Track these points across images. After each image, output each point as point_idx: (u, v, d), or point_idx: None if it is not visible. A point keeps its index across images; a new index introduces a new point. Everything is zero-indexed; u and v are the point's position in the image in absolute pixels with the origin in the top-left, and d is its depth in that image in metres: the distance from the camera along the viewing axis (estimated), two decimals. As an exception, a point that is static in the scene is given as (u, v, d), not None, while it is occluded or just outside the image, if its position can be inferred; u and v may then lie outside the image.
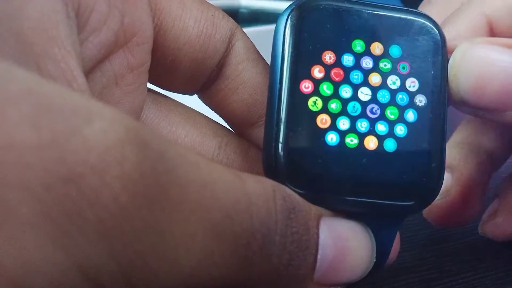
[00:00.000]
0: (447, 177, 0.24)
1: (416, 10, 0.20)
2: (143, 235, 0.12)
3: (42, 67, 0.14)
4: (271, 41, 0.19)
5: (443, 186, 0.20)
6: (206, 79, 0.21)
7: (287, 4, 0.21)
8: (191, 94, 0.22)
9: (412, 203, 0.19)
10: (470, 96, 0.19)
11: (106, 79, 0.18)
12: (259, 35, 0.22)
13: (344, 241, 0.17)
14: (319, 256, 0.16)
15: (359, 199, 0.18)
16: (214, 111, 0.22)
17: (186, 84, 0.22)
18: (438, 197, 0.20)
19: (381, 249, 0.19)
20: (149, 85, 0.21)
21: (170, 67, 0.20)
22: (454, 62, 0.20)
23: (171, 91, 0.22)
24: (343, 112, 0.18)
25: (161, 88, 0.22)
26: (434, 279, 0.24)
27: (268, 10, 0.55)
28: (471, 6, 0.22)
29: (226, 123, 0.23)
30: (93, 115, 0.12)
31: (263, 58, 0.22)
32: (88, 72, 0.18)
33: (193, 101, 0.22)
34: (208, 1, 0.21)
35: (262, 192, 0.15)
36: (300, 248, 0.16)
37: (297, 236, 0.16)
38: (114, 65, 0.19)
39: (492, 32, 0.22)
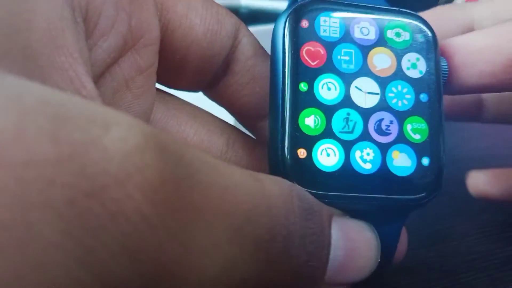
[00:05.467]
0: None
1: (407, 11, 0.21)
2: (168, 246, 0.12)
3: (47, 78, 0.14)
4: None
5: None
6: (213, 76, 0.21)
7: (287, 4, 0.21)
8: (197, 91, 0.22)
9: (414, 197, 0.19)
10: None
11: (117, 83, 0.18)
12: (259, 34, 0.22)
13: (352, 242, 0.17)
14: (330, 256, 0.16)
15: (365, 196, 0.19)
16: (223, 107, 0.23)
17: (193, 82, 0.22)
18: None
19: (387, 247, 0.19)
20: (156, 85, 0.21)
21: (178, 66, 0.20)
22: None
23: (178, 90, 0.22)
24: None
25: (169, 87, 0.22)
26: (434, 279, 0.24)
27: (268, 10, 0.55)
28: None
29: (235, 118, 0.23)
30: (110, 123, 0.12)
31: (267, 52, 0.22)
32: (99, 77, 0.18)
33: (195, 99, 0.22)
34: (209, 0, 0.21)
35: (280, 194, 0.15)
36: (318, 249, 0.16)
37: (314, 237, 0.16)
38: (123, 68, 0.18)
39: None
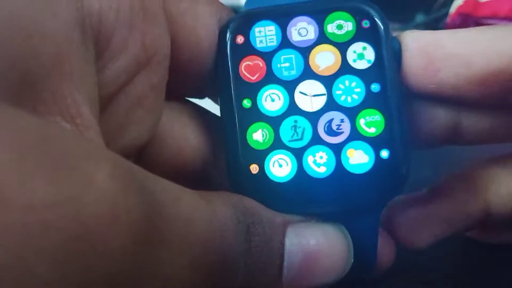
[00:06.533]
0: None
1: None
2: (144, 277, 0.13)
3: (40, 103, 0.14)
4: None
5: None
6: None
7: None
8: (204, 97, 0.23)
9: (378, 192, 0.19)
10: None
11: (130, 102, 0.18)
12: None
13: (313, 246, 0.17)
14: (285, 263, 0.17)
15: (325, 200, 0.19)
16: None
17: (199, 90, 0.22)
18: None
19: (364, 246, 0.19)
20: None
21: (183, 77, 0.20)
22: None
23: (184, 97, 0.22)
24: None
25: (174, 95, 0.22)
26: (434, 279, 0.24)
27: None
28: None
29: None
30: (100, 159, 0.12)
31: None
32: (112, 97, 0.18)
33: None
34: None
35: (227, 214, 0.16)
36: (261, 260, 0.16)
37: (257, 249, 0.16)
38: (137, 86, 0.18)
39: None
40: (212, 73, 0.20)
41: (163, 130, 0.20)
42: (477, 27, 0.20)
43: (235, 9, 0.21)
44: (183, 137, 0.21)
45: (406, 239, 0.22)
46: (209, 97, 0.23)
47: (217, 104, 0.23)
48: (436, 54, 0.19)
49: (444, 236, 0.22)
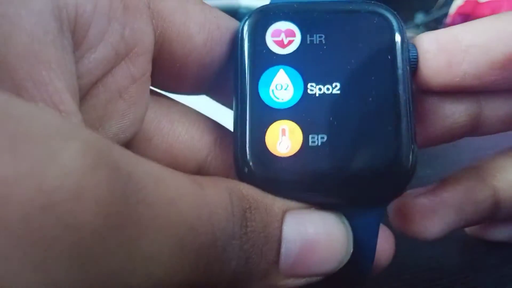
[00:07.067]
0: None
1: (372, 2, 0.20)
2: (116, 254, 0.13)
3: (23, 91, 0.14)
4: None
5: None
6: (216, 80, 0.21)
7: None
8: (198, 94, 0.23)
9: (382, 189, 0.19)
10: None
11: (110, 93, 0.18)
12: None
13: (312, 233, 0.17)
14: (283, 250, 0.17)
15: (329, 191, 0.18)
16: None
17: (194, 87, 0.22)
18: None
19: (363, 244, 0.19)
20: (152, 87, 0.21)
21: (178, 73, 0.20)
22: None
23: (179, 94, 0.22)
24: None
25: (170, 92, 0.22)
26: (434, 279, 0.24)
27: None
28: None
29: None
30: (68, 138, 0.12)
31: None
32: (90, 87, 0.18)
33: (184, 99, 0.23)
34: (209, 1, 0.21)
35: (219, 198, 0.16)
36: (258, 245, 0.16)
37: (253, 234, 0.16)
38: (116, 78, 0.18)
39: None
40: (209, 70, 0.20)
41: (150, 126, 0.20)
42: (488, 16, 0.21)
43: (235, 9, 0.21)
44: (172, 133, 0.21)
45: (417, 229, 0.22)
46: (207, 94, 0.23)
47: (219, 103, 0.23)
48: (456, 49, 0.20)
49: (455, 227, 0.23)
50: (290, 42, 0.19)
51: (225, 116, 0.23)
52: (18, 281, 0.11)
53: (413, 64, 0.20)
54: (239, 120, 0.19)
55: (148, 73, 0.19)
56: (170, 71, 0.20)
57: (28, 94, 0.15)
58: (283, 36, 0.19)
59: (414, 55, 0.20)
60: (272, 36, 0.19)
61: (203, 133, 0.21)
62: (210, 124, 0.22)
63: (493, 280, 0.24)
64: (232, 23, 0.21)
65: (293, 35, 0.19)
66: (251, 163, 0.18)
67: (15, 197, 0.11)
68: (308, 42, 0.19)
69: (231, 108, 0.20)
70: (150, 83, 0.20)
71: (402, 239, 0.22)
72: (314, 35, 0.19)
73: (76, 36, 0.17)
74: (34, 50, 0.15)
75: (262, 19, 0.20)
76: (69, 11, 0.16)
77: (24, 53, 0.15)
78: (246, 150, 0.18)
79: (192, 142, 0.21)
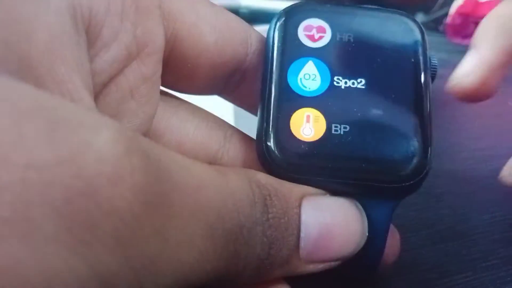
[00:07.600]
0: (472, 57, 0.24)
1: (396, 10, 0.21)
2: (152, 240, 0.13)
3: (44, 88, 0.15)
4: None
5: (467, 66, 0.22)
6: (227, 81, 0.22)
7: (287, 4, 0.21)
8: (210, 95, 0.23)
9: (397, 180, 0.19)
10: None
11: (122, 92, 0.19)
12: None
13: (329, 218, 0.18)
14: (302, 235, 0.17)
15: (348, 179, 0.19)
16: (246, 110, 0.23)
17: (206, 88, 0.22)
18: (463, 75, 0.23)
19: (375, 233, 0.19)
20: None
21: (190, 73, 0.21)
22: None
23: (191, 94, 0.22)
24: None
25: (181, 93, 0.22)
26: (434, 279, 0.24)
27: (268, 10, 0.55)
28: None
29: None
30: (100, 126, 0.13)
31: None
32: (103, 87, 0.18)
33: (192, 98, 0.23)
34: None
35: (242, 186, 0.16)
36: (279, 231, 0.16)
37: (275, 221, 0.16)
38: (128, 77, 0.19)
39: None
40: (220, 71, 0.21)
41: (159, 124, 0.21)
42: None
43: (235, 9, 0.21)
44: (182, 131, 0.21)
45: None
46: (219, 95, 0.23)
47: (235, 104, 0.23)
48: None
49: None
50: (320, 37, 0.20)
51: (230, 118, 0.23)
52: (64, 263, 0.11)
53: (433, 72, 0.21)
54: (266, 102, 0.19)
55: (159, 73, 0.20)
56: (181, 71, 0.20)
57: (48, 90, 0.15)
58: (315, 32, 0.20)
59: (435, 64, 0.21)
60: (304, 30, 0.20)
61: (212, 130, 0.22)
62: (219, 122, 0.22)
63: (493, 280, 0.24)
64: (243, 24, 0.21)
65: (324, 31, 0.21)
66: (273, 142, 0.19)
67: (57, 181, 0.11)
68: (338, 39, 0.20)
69: (243, 108, 0.21)
70: (160, 82, 0.20)
71: (402, 239, 0.22)
72: (343, 34, 0.21)
73: (90, 35, 0.17)
74: (54, 47, 0.15)
75: (297, 14, 0.21)
76: (83, 11, 0.16)
77: (45, 50, 0.15)
78: (269, 129, 0.19)
79: (202, 139, 0.21)
